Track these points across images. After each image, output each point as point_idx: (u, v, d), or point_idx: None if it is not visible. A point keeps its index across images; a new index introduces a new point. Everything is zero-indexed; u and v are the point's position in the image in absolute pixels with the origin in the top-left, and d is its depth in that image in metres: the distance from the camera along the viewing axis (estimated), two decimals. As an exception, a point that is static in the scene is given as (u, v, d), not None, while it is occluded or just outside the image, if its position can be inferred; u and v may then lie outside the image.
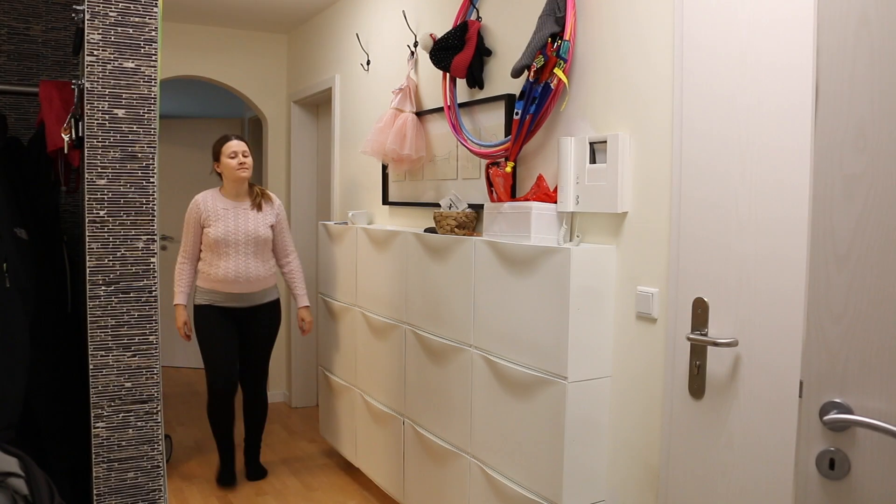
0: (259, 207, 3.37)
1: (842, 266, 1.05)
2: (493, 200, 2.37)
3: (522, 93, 2.21)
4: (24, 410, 1.89)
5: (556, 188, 2.19)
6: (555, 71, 2.11)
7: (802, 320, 1.52)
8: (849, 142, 1.03)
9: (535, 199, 2.21)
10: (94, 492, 1.91)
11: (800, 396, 1.09)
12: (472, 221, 2.55)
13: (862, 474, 1.03)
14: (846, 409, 1.04)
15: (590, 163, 2.07)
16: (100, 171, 1.91)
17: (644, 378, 1.95)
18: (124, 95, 1.92)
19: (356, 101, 3.78)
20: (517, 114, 2.22)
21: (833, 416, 1.04)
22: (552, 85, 2.13)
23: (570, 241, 2.17)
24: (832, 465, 1.06)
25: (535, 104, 2.17)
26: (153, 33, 1.94)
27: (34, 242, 2.14)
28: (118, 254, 1.93)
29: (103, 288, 1.91)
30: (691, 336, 1.74)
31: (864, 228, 1.02)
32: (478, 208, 2.57)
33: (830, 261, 1.06)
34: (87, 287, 1.91)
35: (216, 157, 3.34)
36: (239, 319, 3.38)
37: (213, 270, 3.27)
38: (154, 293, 1.96)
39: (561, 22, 2.10)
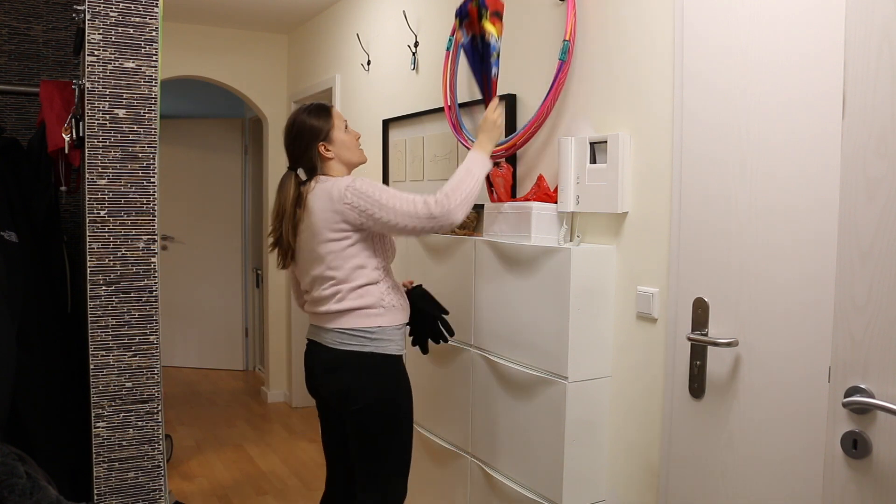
0: None
1: (865, 260, 1.13)
2: (493, 200, 2.37)
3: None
4: (11, 413, 1.89)
5: (556, 188, 2.19)
6: (483, 23, 2.14)
7: (801, 319, 1.52)
8: (871, 147, 1.12)
9: (535, 199, 2.21)
10: (95, 491, 1.91)
11: (829, 381, 1.20)
12: (472, 221, 2.55)
13: (882, 454, 1.12)
14: (868, 394, 1.13)
15: (590, 163, 2.07)
16: (100, 171, 1.91)
17: (644, 378, 1.95)
18: (125, 95, 1.92)
19: (357, 101, 3.78)
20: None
21: (852, 399, 1.13)
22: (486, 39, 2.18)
23: (571, 241, 2.17)
24: (855, 445, 1.15)
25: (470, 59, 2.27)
26: (154, 33, 1.95)
27: (25, 244, 2.14)
28: (119, 254, 1.93)
29: (104, 288, 1.91)
30: (691, 336, 1.74)
31: (884, 226, 1.10)
32: (478, 208, 2.57)
33: (854, 255, 1.15)
34: (88, 287, 1.91)
35: (320, 133, 2.06)
36: None
37: (400, 295, 2.12)
38: (155, 293, 1.96)
39: None
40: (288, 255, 2.09)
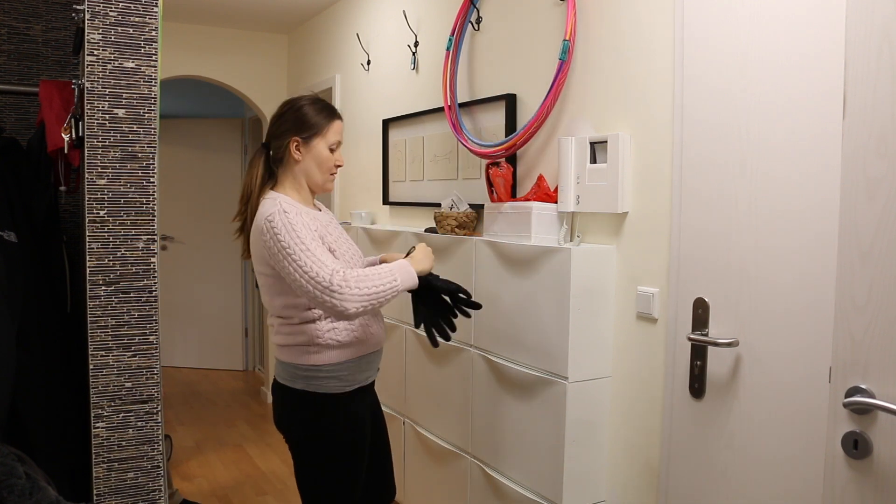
0: None
1: (865, 260, 1.13)
2: (493, 200, 2.37)
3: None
4: (11, 413, 1.89)
5: (556, 188, 2.19)
6: None
7: (802, 320, 1.52)
8: (871, 147, 1.12)
9: (535, 199, 2.21)
10: (94, 491, 1.91)
11: (829, 382, 1.20)
12: (472, 221, 2.55)
13: (883, 454, 1.12)
14: (869, 394, 1.13)
15: (590, 163, 2.07)
16: (100, 170, 1.91)
17: (644, 378, 1.95)
18: (124, 95, 1.92)
19: (357, 101, 3.78)
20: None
21: (853, 399, 1.13)
22: None
23: (571, 241, 2.17)
24: (856, 446, 1.15)
25: None
26: (153, 33, 1.94)
27: (25, 244, 2.13)
28: (118, 254, 1.93)
29: (103, 288, 1.91)
30: (692, 336, 1.74)
31: (884, 226, 1.10)
32: (478, 208, 2.57)
33: (854, 256, 1.15)
34: (88, 287, 1.91)
35: (304, 129, 1.85)
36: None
37: (353, 329, 1.86)
38: (154, 293, 1.96)
39: None
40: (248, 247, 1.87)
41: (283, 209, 1.73)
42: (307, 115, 1.85)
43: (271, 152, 1.89)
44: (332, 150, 1.88)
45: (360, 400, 1.90)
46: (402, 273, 1.74)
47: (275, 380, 1.91)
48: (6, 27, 2.73)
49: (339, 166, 1.92)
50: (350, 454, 1.86)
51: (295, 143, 1.84)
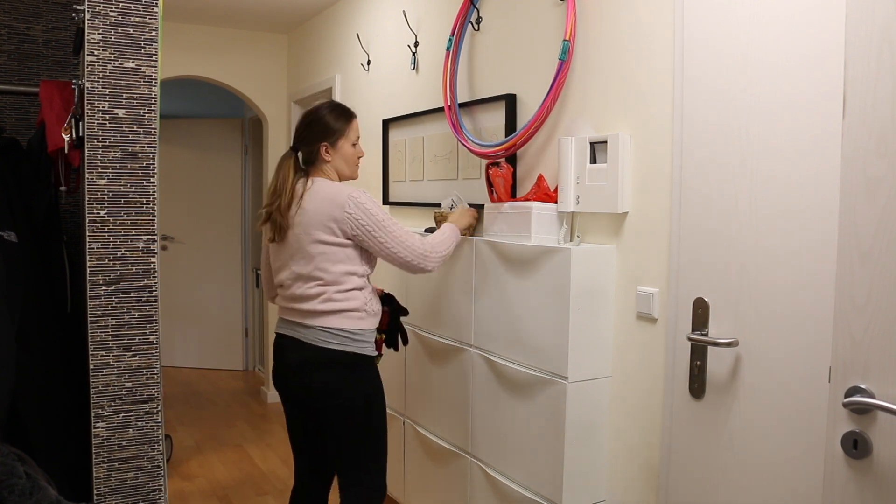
0: None
1: (865, 260, 1.13)
2: (493, 200, 2.37)
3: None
4: (11, 414, 1.89)
5: (556, 188, 2.19)
6: None
7: (802, 320, 1.52)
8: (871, 147, 1.12)
9: (535, 199, 2.21)
10: (95, 491, 1.91)
11: (829, 381, 1.20)
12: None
13: (882, 454, 1.12)
14: (868, 394, 1.13)
15: (590, 163, 2.07)
16: (100, 170, 1.91)
17: (644, 378, 1.95)
18: (125, 95, 1.92)
19: (357, 101, 3.78)
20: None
21: (853, 399, 1.13)
22: None
23: (571, 241, 2.17)
24: (855, 446, 1.15)
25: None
26: (153, 33, 1.95)
27: (25, 244, 2.13)
28: (118, 254, 1.93)
29: (104, 288, 1.91)
30: (691, 336, 1.74)
31: (884, 226, 1.10)
32: (478, 208, 2.57)
33: (854, 256, 1.15)
34: (88, 287, 1.91)
35: (330, 135, 2.16)
36: None
37: (377, 302, 2.23)
38: (154, 293, 1.96)
39: None
40: (281, 230, 2.12)
41: (357, 192, 2.07)
42: (329, 123, 2.17)
43: (301, 155, 2.20)
44: (353, 145, 2.22)
45: None
46: (455, 235, 2.25)
47: (311, 347, 2.07)
48: (6, 27, 2.73)
49: (361, 157, 2.27)
50: (385, 411, 2.21)
51: (324, 147, 2.17)
